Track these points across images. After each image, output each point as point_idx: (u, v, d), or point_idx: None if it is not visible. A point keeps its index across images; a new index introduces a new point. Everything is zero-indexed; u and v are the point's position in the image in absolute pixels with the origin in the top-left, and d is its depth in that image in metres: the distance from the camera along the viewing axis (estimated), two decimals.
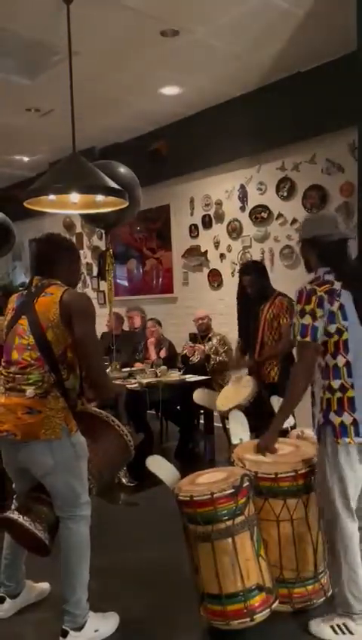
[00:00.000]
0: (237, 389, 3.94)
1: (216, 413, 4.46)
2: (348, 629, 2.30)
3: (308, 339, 2.27)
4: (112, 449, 2.62)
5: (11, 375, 2.34)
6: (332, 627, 2.33)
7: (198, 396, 4.21)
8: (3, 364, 2.41)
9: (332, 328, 2.27)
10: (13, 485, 2.59)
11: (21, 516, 2.34)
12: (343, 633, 2.30)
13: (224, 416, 4.16)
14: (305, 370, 2.33)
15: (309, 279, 2.39)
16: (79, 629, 2.36)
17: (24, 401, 2.29)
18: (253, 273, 4.09)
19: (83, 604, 2.38)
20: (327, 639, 2.32)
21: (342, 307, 2.26)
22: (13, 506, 2.53)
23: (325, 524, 2.39)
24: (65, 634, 2.34)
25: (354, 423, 2.26)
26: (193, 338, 5.74)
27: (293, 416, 3.07)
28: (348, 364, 2.28)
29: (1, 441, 2.37)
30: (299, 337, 2.29)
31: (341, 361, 2.28)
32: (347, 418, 2.26)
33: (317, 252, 2.40)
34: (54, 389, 2.31)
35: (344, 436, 2.26)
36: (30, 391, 2.28)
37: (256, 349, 4.01)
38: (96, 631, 2.40)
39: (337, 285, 2.29)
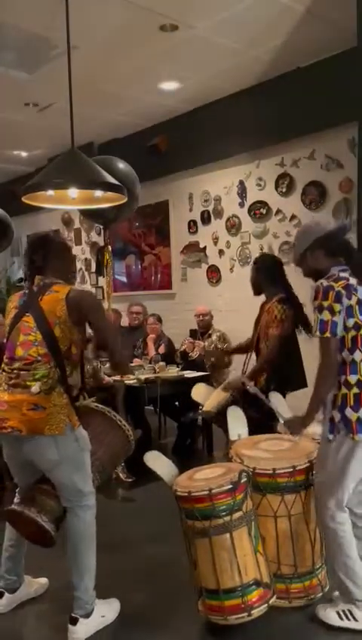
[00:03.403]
0: (219, 392, 3.85)
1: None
2: (352, 615, 2.34)
3: (327, 334, 2.26)
4: (113, 443, 2.66)
5: (15, 371, 2.36)
6: (337, 612, 2.37)
7: (196, 392, 4.15)
8: (5, 360, 2.43)
9: (350, 323, 2.27)
10: (15, 479, 2.61)
11: (27, 508, 2.37)
12: (348, 619, 2.35)
13: (206, 418, 4.08)
14: (329, 365, 2.30)
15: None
16: (88, 615, 2.41)
17: (29, 398, 2.31)
18: (255, 265, 3.98)
19: (91, 592, 2.44)
20: (332, 624, 2.35)
21: (359, 302, 2.27)
22: (16, 499, 2.55)
23: (321, 516, 2.39)
24: (74, 621, 2.39)
25: None
26: (193, 334, 5.73)
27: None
28: None
29: (5, 437, 2.38)
30: (318, 333, 2.28)
31: (358, 356, 2.28)
32: None
33: (324, 250, 2.38)
34: (58, 385, 2.35)
35: (360, 432, 2.26)
36: (35, 387, 2.31)
37: (251, 355, 3.90)
38: (102, 616, 2.46)
39: (353, 281, 2.29)
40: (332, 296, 2.25)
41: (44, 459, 2.36)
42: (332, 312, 2.25)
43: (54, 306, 2.36)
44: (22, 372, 2.35)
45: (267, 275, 3.74)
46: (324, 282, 2.30)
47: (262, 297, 3.88)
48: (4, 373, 2.42)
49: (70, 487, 2.39)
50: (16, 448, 2.41)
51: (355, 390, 2.28)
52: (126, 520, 3.69)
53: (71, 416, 2.35)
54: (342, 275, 2.31)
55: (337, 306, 2.25)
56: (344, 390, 2.30)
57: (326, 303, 2.26)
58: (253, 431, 2.91)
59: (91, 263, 7.95)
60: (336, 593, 2.47)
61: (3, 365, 2.44)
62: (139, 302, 6.15)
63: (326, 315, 2.26)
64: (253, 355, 3.87)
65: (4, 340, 2.50)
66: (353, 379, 2.28)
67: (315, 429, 2.59)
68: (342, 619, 2.36)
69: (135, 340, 5.73)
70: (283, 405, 3.00)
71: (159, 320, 5.77)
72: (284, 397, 3.49)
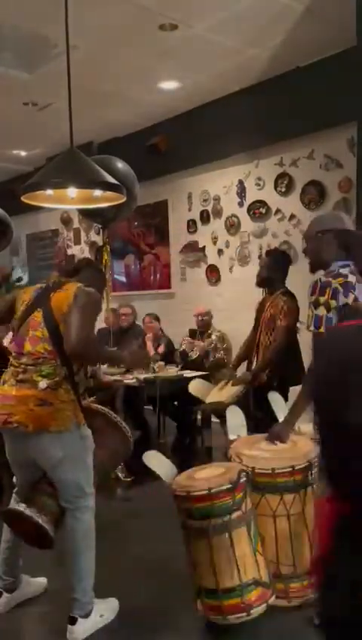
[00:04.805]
0: (228, 387, 3.90)
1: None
2: None
3: (322, 330, 2.26)
4: (114, 444, 2.66)
5: (22, 366, 2.38)
6: None
7: (194, 386, 4.18)
8: (13, 354, 2.45)
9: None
10: (14, 479, 2.60)
11: (27, 508, 2.37)
12: None
13: (212, 411, 4.13)
14: None
15: (309, 274, 2.39)
16: (86, 615, 2.41)
17: (36, 393, 2.32)
18: (268, 257, 3.99)
19: (90, 592, 2.44)
20: None
21: (356, 300, 2.26)
22: (14, 499, 2.54)
23: None
24: (73, 621, 2.39)
25: None
26: (192, 334, 5.73)
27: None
28: None
29: (9, 432, 2.38)
30: (312, 329, 2.28)
31: None
32: None
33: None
34: (65, 382, 2.36)
35: None
36: (42, 383, 2.33)
37: (254, 351, 3.92)
38: (101, 616, 2.47)
39: (352, 278, 2.28)
40: (329, 293, 2.25)
41: (48, 456, 2.36)
42: (328, 308, 2.25)
43: (62, 303, 2.38)
44: (29, 367, 2.37)
45: (278, 267, 3.82)
46: (322, 278, 2.30)
47: (260, 295, 3.93)
48: (11, 368, 2.44)
49: (72, 487, 2.39)
50: (19, 444, 2.41)
51: None
52: (125, 519, 3.68)
53: (77, 414, 2.37)
54: (342, 271, 2.30)
55: (333, 303, 2.24)
56: None
57: (322, 299, 2.26)
58: (255, 430, 2.91)
59: None
60: None
61: (11, 360, 2.46)
62: (128, 303, 6.09)
63: (321, 311, 2.26)
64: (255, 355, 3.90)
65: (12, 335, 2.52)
66: None
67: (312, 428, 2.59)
68: None
69: (127, 341, 5.69)
70: (281, 405, 3.00)
71: (156, 319, 5.76)
72: (287, 392, 3.54)
